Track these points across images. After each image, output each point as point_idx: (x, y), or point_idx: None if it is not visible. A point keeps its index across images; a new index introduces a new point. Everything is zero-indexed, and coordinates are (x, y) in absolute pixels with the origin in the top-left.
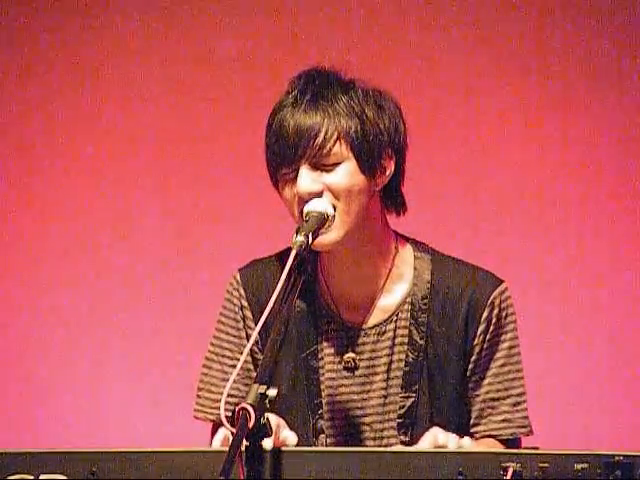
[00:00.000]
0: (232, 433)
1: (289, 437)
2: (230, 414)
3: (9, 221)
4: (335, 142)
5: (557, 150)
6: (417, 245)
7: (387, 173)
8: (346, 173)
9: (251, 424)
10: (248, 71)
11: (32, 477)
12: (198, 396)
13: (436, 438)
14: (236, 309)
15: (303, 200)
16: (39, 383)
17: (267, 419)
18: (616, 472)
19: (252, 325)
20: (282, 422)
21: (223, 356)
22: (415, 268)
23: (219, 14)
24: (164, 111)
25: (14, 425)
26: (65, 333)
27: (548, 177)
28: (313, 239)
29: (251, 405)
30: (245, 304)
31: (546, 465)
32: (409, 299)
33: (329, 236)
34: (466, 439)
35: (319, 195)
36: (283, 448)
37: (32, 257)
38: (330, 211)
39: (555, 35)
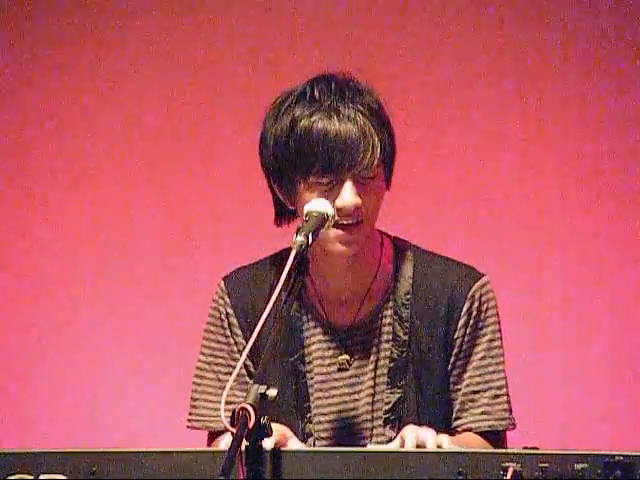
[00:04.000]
0: (232, 434)
1: (295, 448)
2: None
3: (9, 221)
4: (376, 156)
5: (557, 150)
6: (399, 242)
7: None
8: (380, 189)
9: (251, 424)
10: (249, 71)
11: (32, 477)
12: (194, 406)
13: (413, 436)
14: (222, 317)
15: (344, 213)
16: (39, 383)
17: (267, 419)
18: (616, 472)
19: (238, 332)
20: (288, 432)
21: (217, 364)
22: (398, 265)
23: (219, 14)
24: (164, 111)
25: (14, 425)
26: (65, 333)
27: (548, 177)
28: (313, 239)
29: (251, 405)
30: (230, 311)
31: (546, 465)
32: (392, 295)
33: (354, 248)
34: (443, 437)
35: (359, 209)
36: (283, 448)
37: (32, 257)
38: (330, 211)
39: (555, 35)
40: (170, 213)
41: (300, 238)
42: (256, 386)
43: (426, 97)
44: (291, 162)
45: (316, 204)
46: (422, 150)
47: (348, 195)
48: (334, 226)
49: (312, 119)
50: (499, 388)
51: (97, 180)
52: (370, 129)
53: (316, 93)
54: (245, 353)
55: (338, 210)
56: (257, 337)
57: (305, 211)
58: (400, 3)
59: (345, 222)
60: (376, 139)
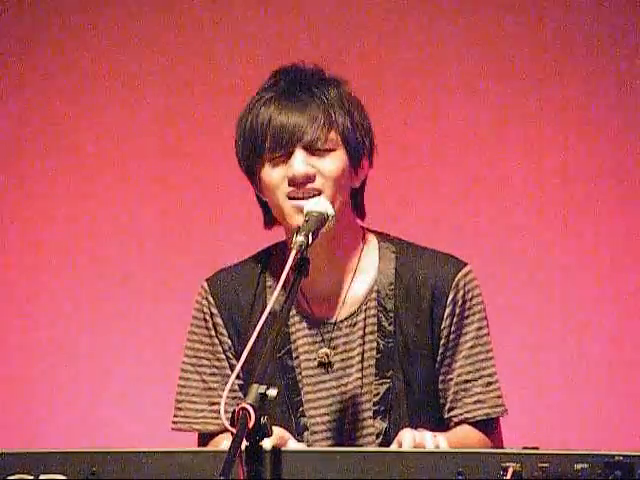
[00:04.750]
0: (232, 434)
1: (295, 448)
2: (212, 423)
3: (9, 220)
4: (330, 129)
5: (557, 150)
6: (381, 235)
7: (363, 173)
8: (338, 160)
9: (251, 424)
10: (249, 71)
11: (32, 477)
12: (179, 408)
13: (410, 438)
14: (206, 317)
15: (295, 182)
16: (39, 383)
17: (267, 419)
18: (616, 472)
19: (223, 332)
20: (287, 434)
21: (201, 365)
22: (380, 257)
23: (220, 14)
24: (164, 110)
25: (14, 425)
26: (65, 333)
27: (548, 177)
28: (313, 239)
29: (251, 405)
30: (215, 311)
31: (546, 465)
32: (376, 287)
33: None
34: (441, 439)
35: (312, 179)
36: (283, 448)
37: (32, 257)
38: (330, 211)
39: (554, 36)
40: (171, 213)
41: (300, 238)
42: (256, 386)
43: (426, 97)
44: (248, 144)
45: (316, 204)
46: (422, 150)
47: (297, 163)
48: (291, 199)
49: (264, 100)
50: (490, 376)
51: (97, 180)
52: (319, 106)
53: (273, 81)
54: (245, 353)
55: (290, 180)
56: (239, 338)
57: (305, 211)
58: (400, 3)
59: (301, 195)
60: (321, 112)
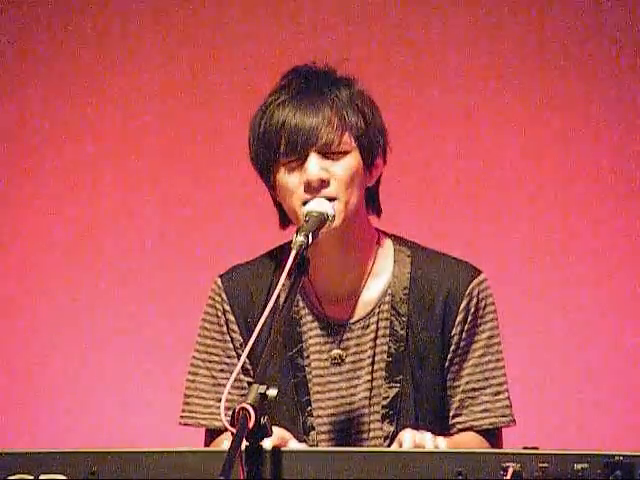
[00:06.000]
0: (232, 433)
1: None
2: (219, 420)
3: (9, 221)
4: (344, 132)
5: (557, 150)
6: (397, 239)
7: (377, 172)
8: (352, 163)
9: (251, 424)
10: (249, 71)
11: (32, 477)
12: (187, 403)
13: (411, 438)
14: (219, 313)
15: (310, 188)
16: (39, 383)
17: (267, 419)
18: (616, 472)
19: (235, 329)
20: (287, 434)
21: (210, 361)
22: (395, 261)
23: (220, 14)
24: (164, 111)
25: (14, 425)
26: (65, 333)
27: (548, 177)
28: (313, 239)
29: (251, 405)
30: (228, 308)
31: (546, 465)
32: (390, 290)
33: (335, 222)
34: (441, 440)
35: (326, 184)
36: (283, 448)
37: (32, 257)
38: (330, 211)
39: (555, 35)
40: (170, 213)
41: (300, 238)
42: (256, 386)
43: (425, 97)
44: (263, 148)
45: (316, 204)
46: (422, 150)
47: (311, 168)
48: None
49: (277, 103)
50: (499, 385)
51: (96, 180)
52: (332, 108)
53: (286, 82)
54: (245, 353)
55: (306, 186)
56: (257, 336)
57: (305, 211)
58: (401, 3)
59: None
60: (334, 114)
